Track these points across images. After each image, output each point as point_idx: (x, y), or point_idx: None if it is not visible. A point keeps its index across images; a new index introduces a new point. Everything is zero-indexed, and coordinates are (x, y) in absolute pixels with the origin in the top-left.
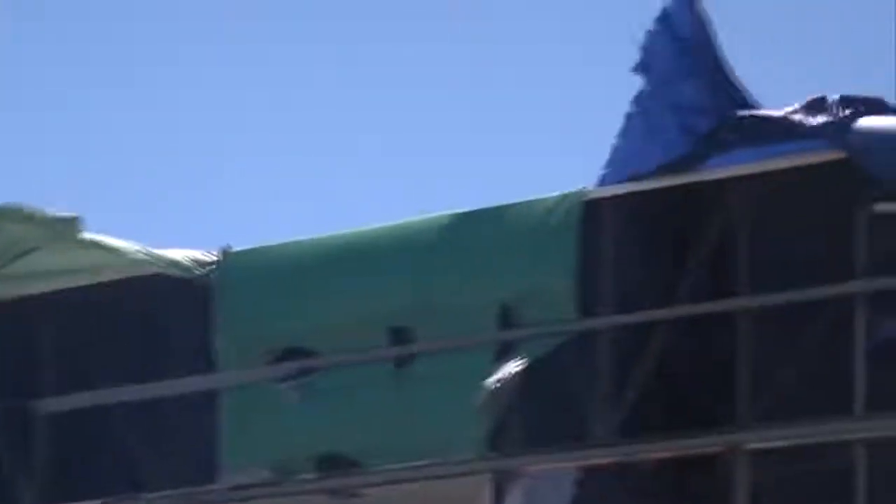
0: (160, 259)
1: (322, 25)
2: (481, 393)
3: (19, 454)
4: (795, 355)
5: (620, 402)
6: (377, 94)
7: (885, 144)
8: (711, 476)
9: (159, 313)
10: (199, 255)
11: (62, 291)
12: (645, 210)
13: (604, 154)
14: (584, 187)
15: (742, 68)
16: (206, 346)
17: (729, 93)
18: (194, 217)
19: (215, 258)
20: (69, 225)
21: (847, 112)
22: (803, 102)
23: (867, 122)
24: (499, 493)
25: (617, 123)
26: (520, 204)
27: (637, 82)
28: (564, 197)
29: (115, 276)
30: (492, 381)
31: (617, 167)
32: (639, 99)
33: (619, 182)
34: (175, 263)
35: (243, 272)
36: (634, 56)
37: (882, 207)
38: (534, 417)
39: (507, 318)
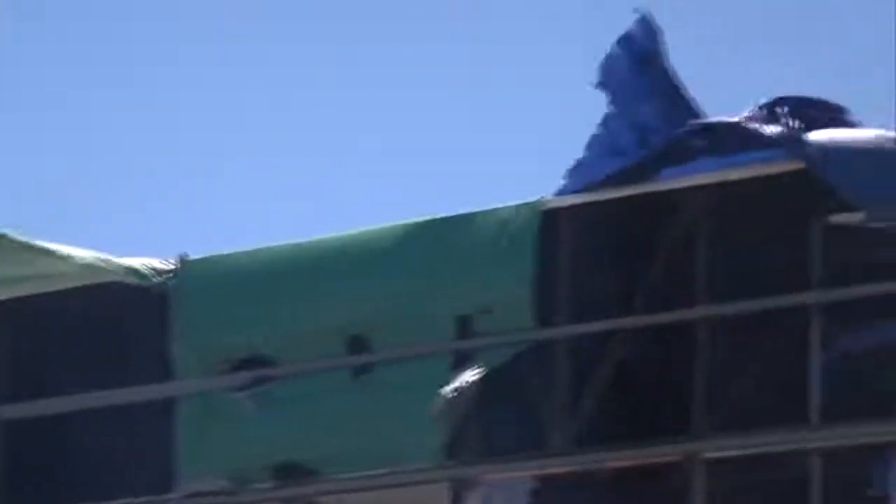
0: (118, 267)
1: (309, 25)
2: (439, 402)
3: None
4: (752, 365)
5: (578, 411)
6: (370, 95)
7: (842, 155)
8: (668, 485)
9: (117, 321)
10: (157, 262)
11: (18, 299)
12: (603, 220)
13: (567, 163)
14: (542, 197)
15: (698, 75)
16: (163, 354)
17: (686, 115)
18: (192, 218)
19: (173, 266)
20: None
21: (799, 119)
22: (755, 108)
23: (824, 133)
24: (456, 502)
25: (585, 132)
26: (478, 213)
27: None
28: (522, 207)
29: (72, 284)
30: (449, 389)
31: (575, 178)
32: (605, 119)
33: (577, 192)
34: (133, 271)
35: (201, 280)
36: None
37: (838, 218)
38: (491, 426)
39: (464, 327)
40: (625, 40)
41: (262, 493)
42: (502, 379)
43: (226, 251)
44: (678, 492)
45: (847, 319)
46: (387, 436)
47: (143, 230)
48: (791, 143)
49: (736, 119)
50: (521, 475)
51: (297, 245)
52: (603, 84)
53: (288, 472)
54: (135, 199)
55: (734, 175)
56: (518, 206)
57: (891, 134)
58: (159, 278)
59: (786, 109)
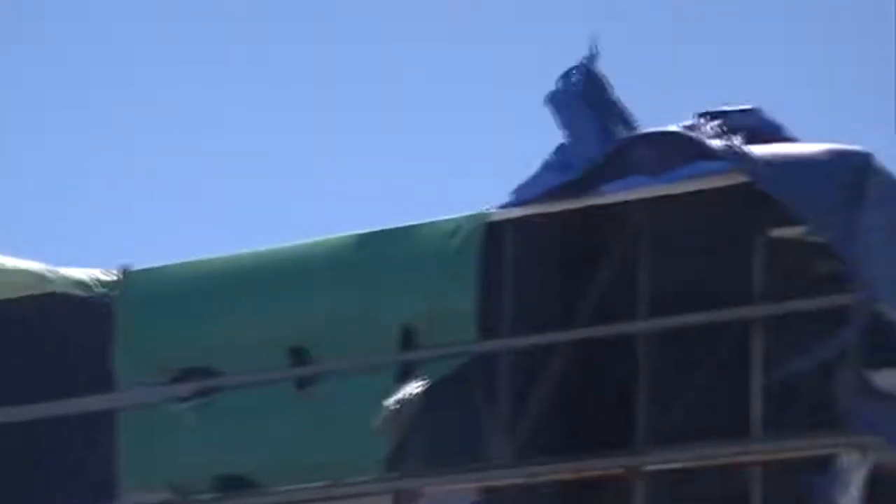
0: (63, 278)
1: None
2: (382, 414)
3: None
4: (694, 378)
5: (520, 423)
6: (311, 106)
7: (786, 169)
8: (611, 498)
9: (59, 332)
10: (100, 273)
11: None
12: (547, 233)
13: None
14: (487, 209)
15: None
16: (105, 365)
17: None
18: (134, 229)
19: (116, 277)
20: None
21: (738, 132)
22: (695, 120)
23: (767, 146)
24: None
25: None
26: (422, 225)
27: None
28: (467, 219)
29: (17, 295)
30: (392, 401)
31: (520, 192)
32: (559, 148)
33: (521, 205)
34: (78, 282)
35: (144, 291)
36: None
37: (781, 232)
38: (434, 439)
39: (408, 339)
40: (567, 76)
41: None
42: (445, 391)
43: (168, 262)
44: None
45: (789, 333)
46: (329, 448)
47: (85, 241)
48: (736, 156)
49: (680, 129)
50: (463, 487)
51: (240, 256)
52: (552, 106)
53: (230, 485)
54: (77, 209)
55: (677, 188)
56: (462, 218)
57: (832, 147)
58: (103, 289)
59: (724, 122)
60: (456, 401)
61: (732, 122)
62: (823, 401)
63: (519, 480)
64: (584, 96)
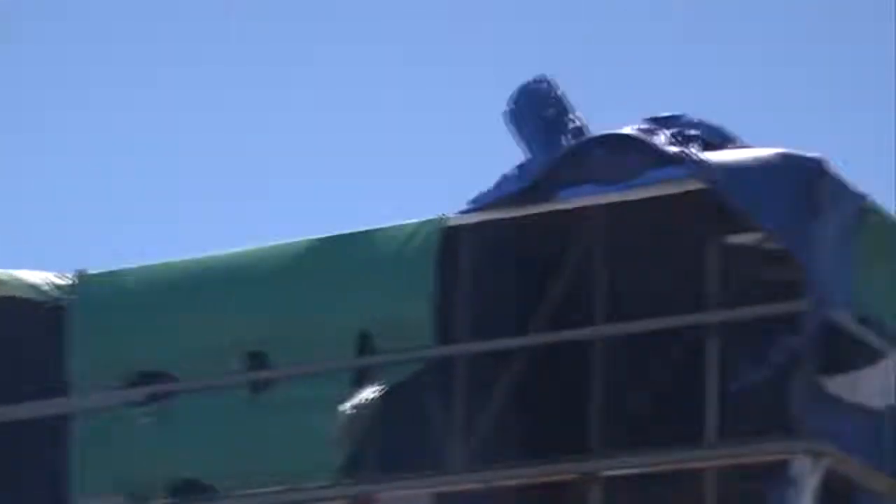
0: (19, 282)
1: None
2: (338, 419)
3: None
4: (650, 384)
5: (476, 429)
6: (275, 114)
7: (742, 174)
8: (568, 502)
9: (12, 336)
10: (55, 277)
11: None
12: (503, 238)
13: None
14: (444, 215)
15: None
16: (60, 369)
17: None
18: (89, 233)
19: (71, 281)
20: None
21: (690, 139)
22: (647, 125)
23: (721, 152)
24: None
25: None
26: (379, 230)
27: None
28: (423, 224)
29: None
30: (348, 407)
31: (478, 200)
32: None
33: (477, 210)
34: (33, 287)
35: (99, 295)
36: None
37: (735, 239)
38: (390, 444)
39: (364, 344)
40: (521, 96)
41: None
42: (402, 396)
43: (124, 266)
44: None
45: (744, 339)
46: (285, 453)
47: (40, 245)
48: (693, 163)
49: (638, 134)
50: (419, 492)
51: (196, 261)
52: (511, 120)
53: (186, 489)
54: (31, 213)
55: (633, 195)
56: (419, 224)
57: (785, 152)
58: (57, 293)
59: (676, 129)
60: (412, 406)
61: (683, 129)
62: (777, 407)
63: (474, 486)
64: (537, 112)
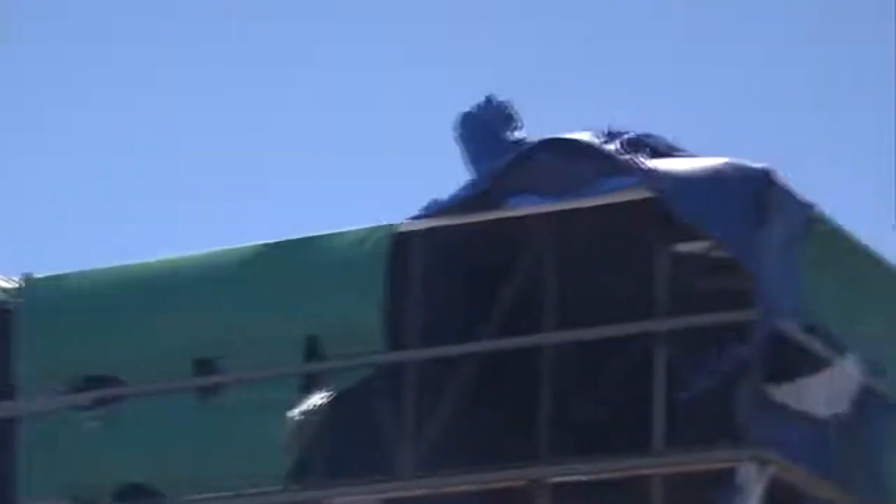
0: None
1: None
2: (286, 425)
3: None
4: (599, 391)
5: (426, 435)
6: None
7: (691, 185)
8: None
9: None
10: (1, 280)
11: None
12: (454, 245)
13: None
14: (394, 221)
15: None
16: (6, 373)
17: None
18: (36, 236)
19: (17, 284)
20: None
21: (638, 149)
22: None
23: (670, 161)
24: None
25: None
26: (328, 235)
27: None
28: (374, 230)
29: None
30: (297, 413)
31: (429, 206)
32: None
33: (428, 217)
34: None
35: (46, 299)
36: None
37: (684, 247)
38: (339, 450)
39: (313, 349)
40: (467, 118)
41: None
42: (351, 402)
43: (71, 270)
44: None
45: (692, 347)
46: (234, 459)
47: (39, 245)
48: (642, 172)
49: (589, 141)
50: (368, 498)
51: (145, 265)
52: (460, 138)
53: (133, 494)
54: (30, 213)
55: (583, 203)
56: (369, 229)
57: (732, 161)
58: (4, 297)
59: (624, 139)
60: (361, 412)
61: (632, 141)
62: (724, 415)
63: (422, 492)
64: (485, 131)
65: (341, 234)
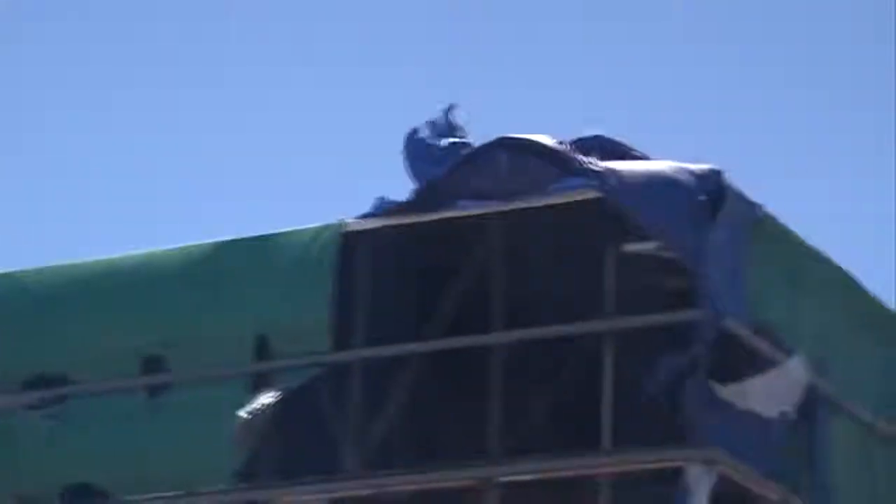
0: None
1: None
2: (234, 424)
3: None
4: (547, 391)
5: (373, 434)
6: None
7: (640, 186)
8: None
9: None
10: None
11: None
12: (404, 244)
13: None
14: (343, 220)
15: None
16: None
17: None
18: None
19: None
20: None
21: (589, 151)
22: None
23: (619, 163)
24: None
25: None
26: (277, 235)
27: None
28: (322, 229)
29: None
30: (245, 412)
31: (378, 205)
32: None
33: (377, 216)
34: None
35: None
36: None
37: (633, 247)
38: (286, 449)
39: (262, 349)
40: (412, 137)
41: None
42: (299, 401)
43: (16, 268)
44: None
45: (640, 346)
46: (181, 458)
47: (40, 246)
48: (592, 174)
49: (538, 139)
50: (315, 497)
51: (94, 263)
52: (406, 154)
53: (80, 494)
54: (30, 213)
55: (532, 203)
56: (318, 228)
57: (684, 165)
58: None
59: (575, 140)
60: (309, 411)
61: (583, 143)
62: (671, 414)
63: (369, 491)
64: (428, 147)
65: (290, 233)
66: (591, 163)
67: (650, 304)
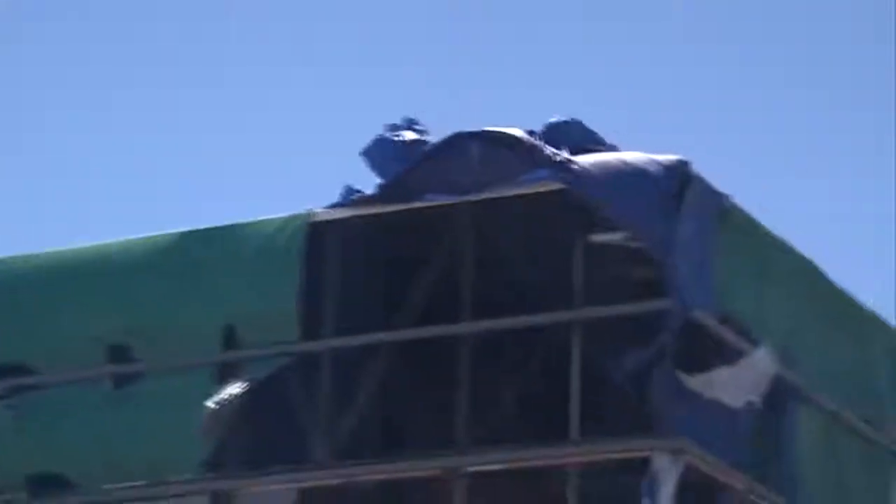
0: None
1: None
2: (202, 414)
3: None
4: (515, 381)
5: (341, 424)
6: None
7: (607, 177)
8: (432, 498)
9: None
10: None
11: None
12: (371, 235)
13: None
14: (311, 210)
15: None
16: None
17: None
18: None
19: None
20: None
21: (556, 142)
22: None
23: (587, 155)
24: None
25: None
26: (245, 224)
27: None
28: (291, 219)
29: None
30: (212, 402)
31: (346, 195)
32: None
33: (345, 206)
34: None
35: None
36: None
37: (601, 238)
38: (254, 439)
39: (230, 338)
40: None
41: None
42: (267, 391)
43: None
44: None
45: (608, 336)
46: (148, 447)
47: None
48: (559, 166)
49: (507, 131)
50: (283, 487)
51: (59, 252)
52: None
53: (45, 484)
54: (29, 213)
55: (500, 193)
56: (287, 218)
57: (651, 156)
58: None
59: (545, 133)
60: (277, 401)
61: (554, 133)
62: (639, 404)
63: (338, 481)
64: (391, 158)
65: (258, 222)
66: (558, 155)
67: (618, 295)
